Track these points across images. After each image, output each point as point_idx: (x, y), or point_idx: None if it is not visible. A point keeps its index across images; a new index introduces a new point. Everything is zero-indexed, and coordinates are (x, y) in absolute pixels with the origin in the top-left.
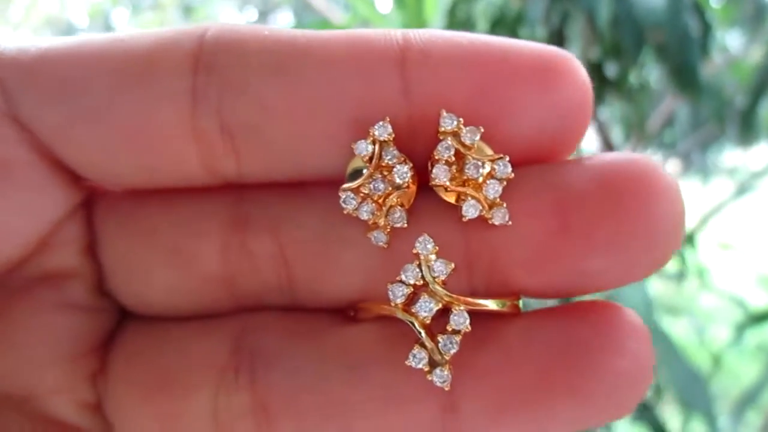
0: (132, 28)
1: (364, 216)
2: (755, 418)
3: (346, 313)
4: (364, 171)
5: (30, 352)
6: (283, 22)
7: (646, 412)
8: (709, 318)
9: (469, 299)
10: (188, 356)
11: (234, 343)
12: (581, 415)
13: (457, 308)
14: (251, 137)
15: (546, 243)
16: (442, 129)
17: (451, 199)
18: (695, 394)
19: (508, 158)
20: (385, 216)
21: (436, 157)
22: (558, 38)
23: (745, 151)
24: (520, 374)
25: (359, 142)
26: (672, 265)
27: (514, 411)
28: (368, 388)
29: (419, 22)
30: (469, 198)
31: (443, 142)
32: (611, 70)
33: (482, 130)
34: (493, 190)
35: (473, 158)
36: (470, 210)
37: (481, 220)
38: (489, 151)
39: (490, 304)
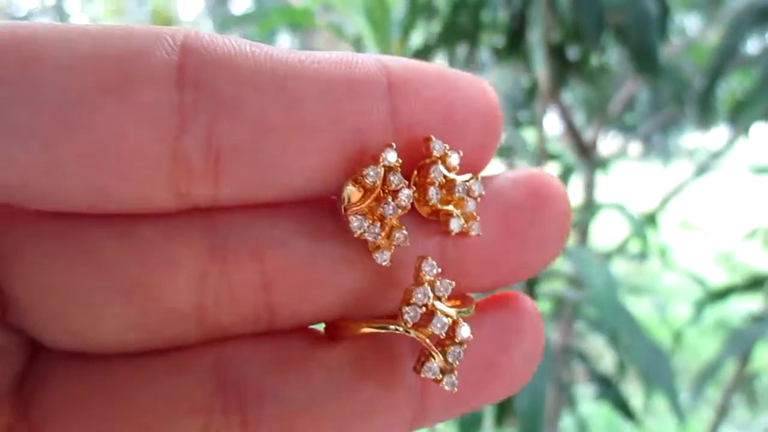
0: (85, 16)
1: (371, 237)
2: (714, 392)
3: (318, 331)
4: (358, 192)
5: None
6: (242, 7)
7: (609, 389)
8: (670, 296)
9: (457, 312)
10: (163, 397)
11: (215, 380)
12: (506, 387)
13: (461, 323)
14: (240, 158)
15: (498, 246)
16: (434, 154)
17: (424, 213)
18: (657, 370)
19: (481, 179)
20: (388, 237)
21: (429, 180)
22: (519, 21)
23: (704, 133)
24: (472, 366)
25: (370, 168)
26: (635, 246)
27: (469, 398)
28: (355, 405)
29: (382, 6)
30: (454, 214)
31: (436, 167)
32: (573, 53)
33: (461, 154)
34: (472, 206)
35: (460, 181)
36: (456, 225)
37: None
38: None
39: (470, 311)
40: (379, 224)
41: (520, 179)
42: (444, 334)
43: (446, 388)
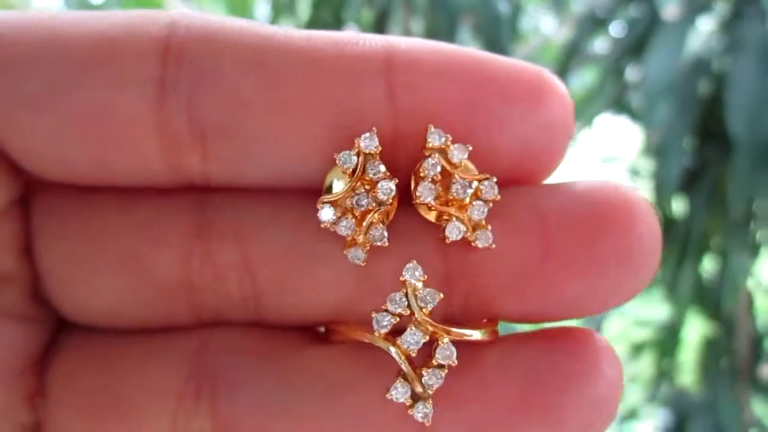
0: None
1: (343, 231)
2: None
3: (316, 331)
4: (343, 183)
5: None
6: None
7: None
8: None
9: (454, 330)
10: (142, 377)
11: (194, 364)
12: None
13: (442, 341)
14: (223, 134)
15: (528, 267)
16: (429, 145)
17: (431, 217)
18: None
19: (495, 179)
20: (365, 233)
21: (421, 174)
22: (381, 19)
23: None
24: (497, 402)
25: (343, 153)
26: None
27: None
28: (342, 415)
29: (243, 1)
30: (454, 219)
31: (430, 159)
32: None
33: (470, 148)
34: (479, 211)
35: (460, 177)
36: (453, 232)
37: (462, 241)
38: (472, 168)
39: (475, 335)
40: (353, 219)
41: (576, 189)
42: (415, 352)
43: (418, 417)
